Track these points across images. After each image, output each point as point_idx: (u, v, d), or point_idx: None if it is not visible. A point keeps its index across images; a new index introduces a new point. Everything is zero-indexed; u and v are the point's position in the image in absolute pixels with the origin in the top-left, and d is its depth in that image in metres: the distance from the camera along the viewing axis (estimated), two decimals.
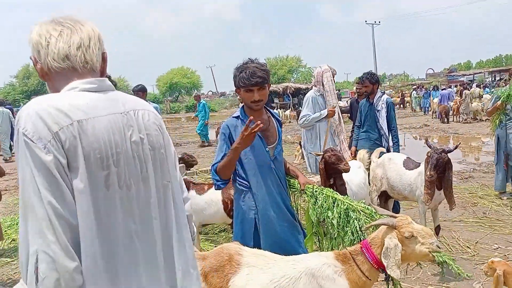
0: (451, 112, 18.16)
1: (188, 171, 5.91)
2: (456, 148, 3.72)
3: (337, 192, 2.61)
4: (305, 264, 2.00)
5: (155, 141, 1.21)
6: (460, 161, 8.98)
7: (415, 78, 55.77)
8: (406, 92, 32.40)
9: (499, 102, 5.44)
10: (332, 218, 2.40)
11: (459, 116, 17.61)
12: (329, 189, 2.67)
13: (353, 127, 5.60)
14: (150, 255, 1.18)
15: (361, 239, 2.24)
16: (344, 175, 3.75)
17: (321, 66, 4.90)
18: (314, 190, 2.60)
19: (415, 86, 30.19)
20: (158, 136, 1.23)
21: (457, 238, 4.39)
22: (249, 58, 2.49)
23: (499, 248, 4.08)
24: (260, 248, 2.39)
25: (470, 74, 41.38)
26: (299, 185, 2.70)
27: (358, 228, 2.28)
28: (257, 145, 2.47)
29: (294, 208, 2.82)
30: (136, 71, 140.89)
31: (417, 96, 24.74)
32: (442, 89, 21.04)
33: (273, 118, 2.66)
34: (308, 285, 1.92)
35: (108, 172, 1.09)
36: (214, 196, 3.41)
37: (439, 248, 1.94)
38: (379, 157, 4.69)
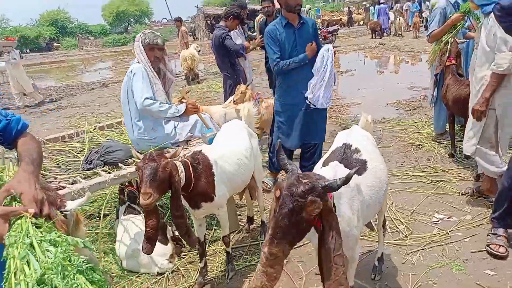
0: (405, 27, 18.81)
1: None
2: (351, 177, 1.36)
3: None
4: None
5: None
6: (411, 87, 7.85)
7: None
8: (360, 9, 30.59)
9: (456, 16, 4.05)
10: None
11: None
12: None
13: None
14: None
15: None
16: (214, 155, 2.38)
17: None
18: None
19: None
20: None
21: (390, 205, 3.31)
22: None
23: (440, 221, 3.03)
24: None
25: None
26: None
27: None
28: None
29: None
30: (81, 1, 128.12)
31: (374, 12, 22.98)
32: (381, 3, 20.53)
33: None
34: None
35: None
36: None
37: None
38: None
